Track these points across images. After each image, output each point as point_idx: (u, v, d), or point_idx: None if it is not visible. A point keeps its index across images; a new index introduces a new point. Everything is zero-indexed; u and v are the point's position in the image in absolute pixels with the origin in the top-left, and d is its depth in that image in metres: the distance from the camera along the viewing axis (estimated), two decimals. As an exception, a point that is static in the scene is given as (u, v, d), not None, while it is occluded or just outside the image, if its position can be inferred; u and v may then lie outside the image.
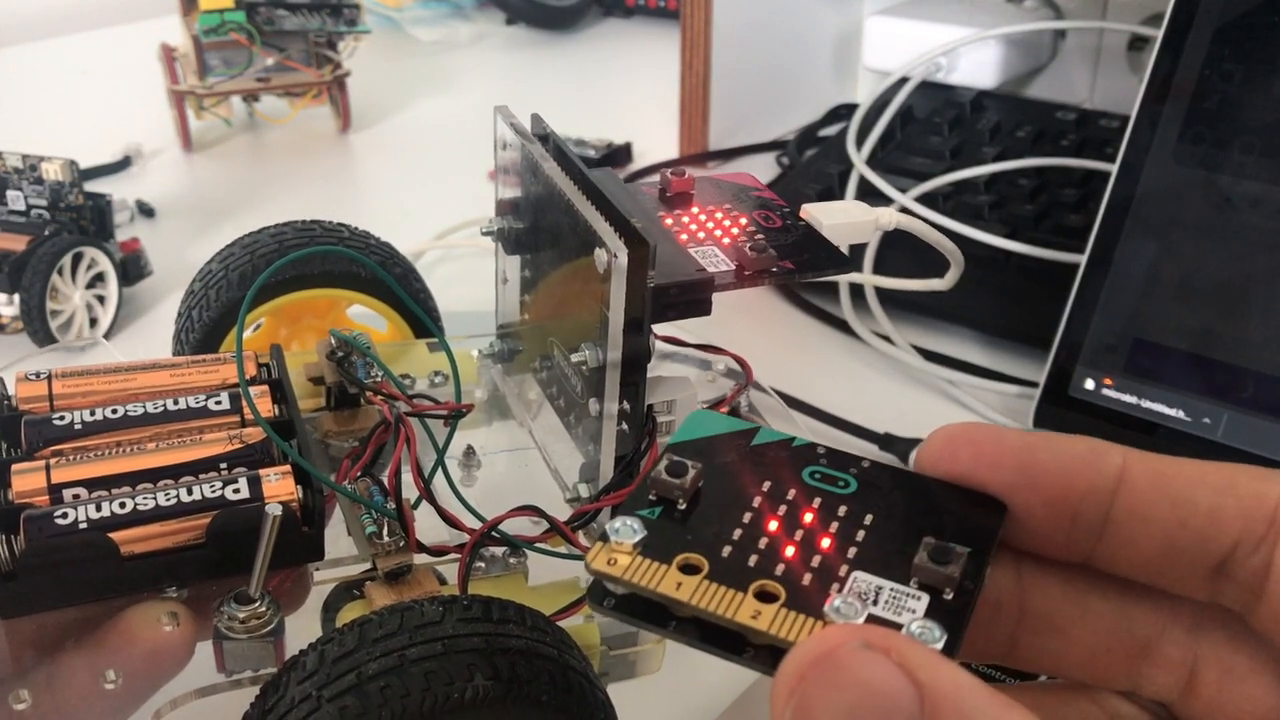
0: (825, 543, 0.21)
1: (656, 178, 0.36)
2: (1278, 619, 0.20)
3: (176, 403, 0.33)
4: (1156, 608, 0.22)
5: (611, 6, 1.16)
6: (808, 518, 0.21)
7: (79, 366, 0.34)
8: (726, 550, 0.21)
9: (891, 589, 0.20)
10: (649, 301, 0.30)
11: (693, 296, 0.31)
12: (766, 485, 0.22)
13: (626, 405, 0.31)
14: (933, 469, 0.22)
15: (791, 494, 0.22)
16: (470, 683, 0.25)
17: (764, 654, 0.20)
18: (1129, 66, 0.75)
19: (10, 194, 0.59)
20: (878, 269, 0.60)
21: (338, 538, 0.33)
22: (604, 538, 0.21)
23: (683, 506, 0.22)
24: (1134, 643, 0.22)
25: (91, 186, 0.62)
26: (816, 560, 0.20)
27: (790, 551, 0.21)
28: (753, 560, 0.21)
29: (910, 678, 0.17)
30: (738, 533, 0.21)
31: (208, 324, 0.41)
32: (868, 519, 0.21)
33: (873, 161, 0.67)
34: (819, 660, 0.17)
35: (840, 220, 0.34)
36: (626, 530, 0.21)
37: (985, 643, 0.23)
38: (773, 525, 0.21)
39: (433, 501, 0.32)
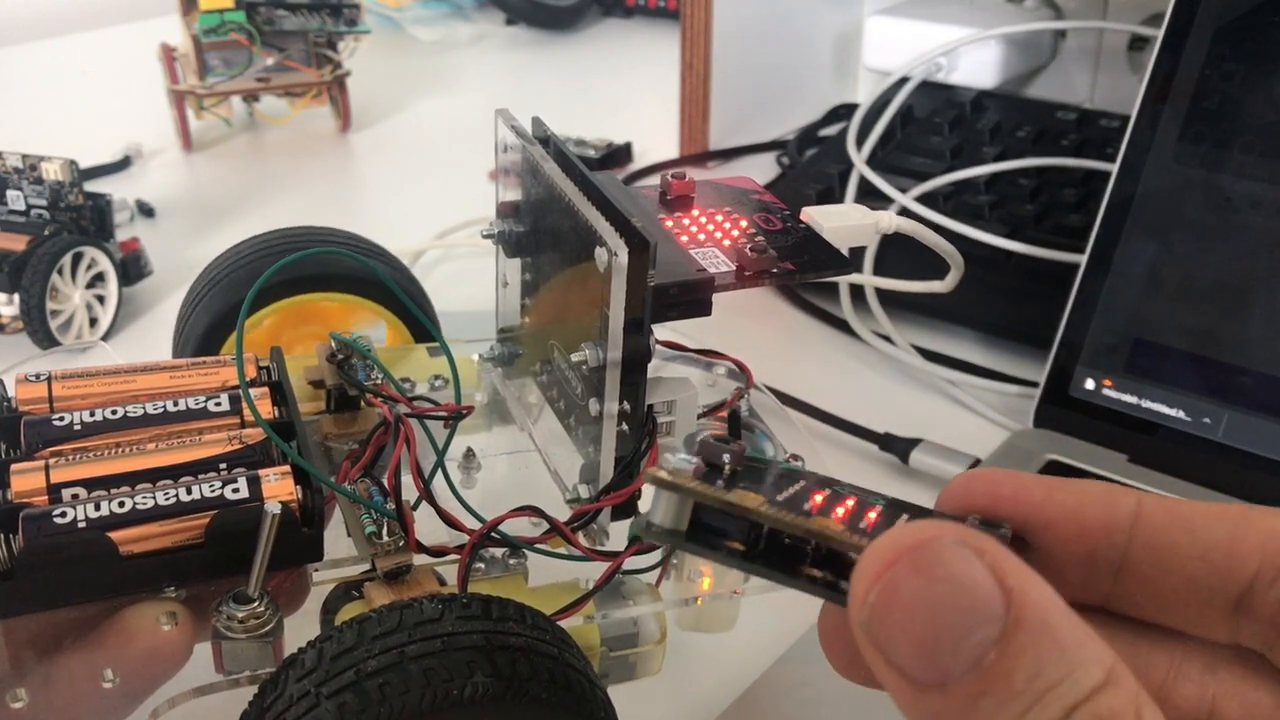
0: (872, 515, 0.21)
1: (656, 180, 0.36)
2: None
3: (176, 404, 0.33)
4: (1171, 647, 0.22)
5: (611, 6, 1.16)
6: (849, 503, 0.21)
7: (79, 368, 0.34)
8: (780, 497, 0.21)
9: None
10: (649, 301, 0.30)
11: (693, 296, 0.31)
12: (802, 482, 0.22)
13: (627, 405, 0.31)
14: (953, 510, 0.22)
15: (828, 488, 0.22)
16: (470, 680, 0.25)
17: (818, 582, 0.20)
18: (1129, 66, 0.75)
19: (10, 194, 0.59)
20: (878, 269, 0.60)
21: (337, 539, 0.32)
22: (661, 468, 0.21)
23: (728, 472, 0.22)
24: (1149, 683, 0.22)
25: (91, 186, 0.62)
26: (864, 524, 0.21)
27: (840, 511, 0.21)
28: (807, 507, 0.21)
29: (1000, 583, 0.17)
30: (785, 494, 0.21)
31: (207, 327, 0.41)
32: (904, 517, 0.21)
33: (873, 161, 0.67)
34: (915, 548, 0.17)
35: (840, 223, 0.34)
36: (682, 463, 0.21)
37: None
38: (818, 498, 0.21)
39: (432, 502, 0.32)
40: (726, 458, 0.22)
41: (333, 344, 0.38)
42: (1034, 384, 0.52)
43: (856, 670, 0.22)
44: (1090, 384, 0.49)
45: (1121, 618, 0.22)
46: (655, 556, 0.33)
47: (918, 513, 0.22)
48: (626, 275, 0.29)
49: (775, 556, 0.20)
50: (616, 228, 0.30)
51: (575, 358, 0.31)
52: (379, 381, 0.36)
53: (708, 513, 0.21)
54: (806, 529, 0.20)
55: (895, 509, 0.22)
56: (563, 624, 0.30)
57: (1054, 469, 0.47)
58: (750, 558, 0.20)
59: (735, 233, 0.34)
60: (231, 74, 0.81)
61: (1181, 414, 0.47)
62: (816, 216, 0.34)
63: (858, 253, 0.60)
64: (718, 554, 0.20)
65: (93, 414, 0.33)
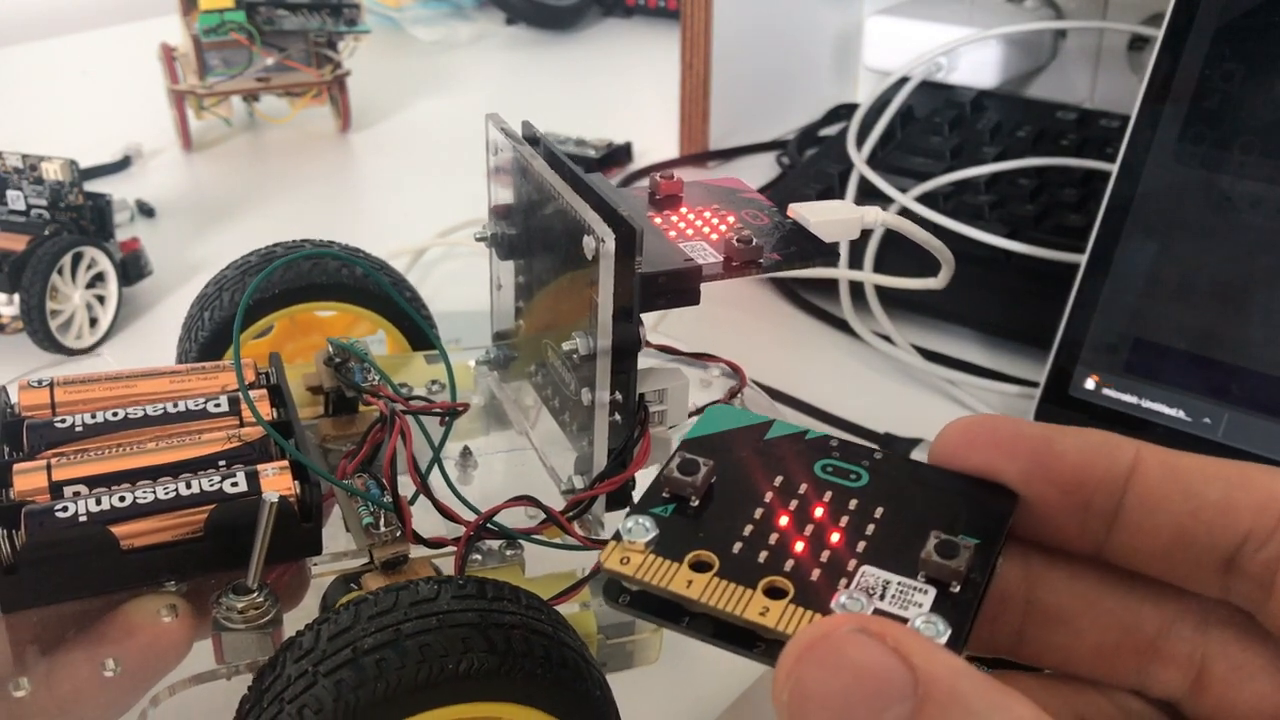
0: (834, 537, 0.21)
1: (646, 181, 0.36)
2: None
3: (176, 406, 0.34)
4: (1164, 604, 0.22)
5: (611, 6, 1.16)
6: (818, 512, 0.22)
7: (80, 374, 0.35)
8: (737, 547, 0.21)
9: (899, 583, 0.20)
10: (638, 288, 0.30)
11: (681, 285, 0.32)
12: (778, 480, 0.22)
13: (618, 395, 0.31)
14: (948, 459, 0.22)
15: (803, 489, 0.22)
16: (465, 655, 0.26)
17: (774, 649, 0.20)
18: (1129, 66, 0.75)
19: (10, 194, 0.59)
20: (877, 270, 0.60)
21: (335, 535, 0.33)
22: (617, 536, 0.21)
23: (695, 503, 0.22)
24: (1141, 638, 0.22)
25: (91, 186, 0.61)
26: (825, 555, 0.21)
27: (800, 547, 0.21)
28: (763, 556, 0.21)
29: (904, 662, 0.17)
30: (749, 529, 0.21)
31: (211, 333, 0.41)
32: (878, 512, 0.22)
33: (873, 161, 0.67)
34: (814, 644, 0.17)
35: (826, 218, 0.34)
36: (639, 529, 0.21)
37: (991, 635, 0.23)
38: (783, 520, 0.21)
39: (429, 494, 0.32)
40: (690, 490, 0.22)
41: (330, 348, 0.38)
42: (1034, 384, 0.52)
43: None
44: (1090, 384, 0.49)
45: (1115, 570, 0.22)
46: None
47: (902, 478, 0.22)
48: (614, 262, 0.29)
49: (736, 628, 0.20)
50: (604, 216, 0.30)
51: (566, 346, 0.31)
52: (376, 383, 0.37)
53: None
54: (743, 622, 0.20)
55: (878, 487, 0.22)
56: (559, 611, 0.30)
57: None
58: (714, 632, 0.20)
59: (723, 228, 0.34)
60: (231, 74, 0.81)
61: (1181, 414, 0.47)
62: (803, 211, 0.34)
63: (858, 251, 0.60)
64: (680, 627, 0.21)
65: (94, 416, 0.33)
